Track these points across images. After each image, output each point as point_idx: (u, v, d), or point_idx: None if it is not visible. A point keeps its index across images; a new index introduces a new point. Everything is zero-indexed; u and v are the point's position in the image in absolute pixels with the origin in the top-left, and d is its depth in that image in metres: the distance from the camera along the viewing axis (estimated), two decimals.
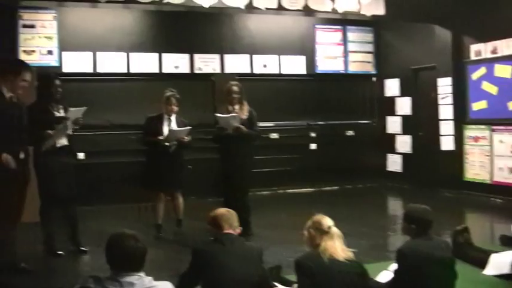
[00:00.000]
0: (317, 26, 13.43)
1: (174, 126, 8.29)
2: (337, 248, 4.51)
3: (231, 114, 8.24)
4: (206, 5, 9.47)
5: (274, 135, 12.81)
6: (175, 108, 8.34)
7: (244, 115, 8.39)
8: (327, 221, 4.65)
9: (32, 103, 7.26)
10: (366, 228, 8.80)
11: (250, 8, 9.96)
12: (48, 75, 7.63)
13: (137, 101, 11.34)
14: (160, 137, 8.10)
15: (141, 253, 3.61)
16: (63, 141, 7.36)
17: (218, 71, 12.48)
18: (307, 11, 10.45)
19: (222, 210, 4.84)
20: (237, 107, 8.43)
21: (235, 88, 8.49)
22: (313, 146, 13.41)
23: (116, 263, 3.59)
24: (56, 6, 11.00)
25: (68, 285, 6.18)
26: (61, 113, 7.38)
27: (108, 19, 11.66)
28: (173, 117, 8.36)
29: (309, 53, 13.37)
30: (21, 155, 6.38)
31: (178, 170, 8.39)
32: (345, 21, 13.37)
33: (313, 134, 13.41)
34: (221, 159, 8.68)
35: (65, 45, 11.37)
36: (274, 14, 10.87)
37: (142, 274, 3.60)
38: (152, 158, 8.34)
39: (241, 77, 11.75)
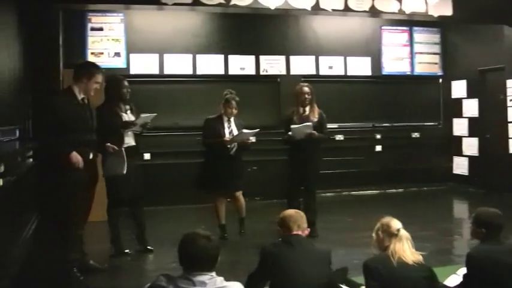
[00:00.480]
0: (383, 27, 13.30)
1: (233, 127, 8.32)
2: (406, 250, 4.46)
3: (305, 124, 8.22)
4: (272, 6, 9.44)
5: (339, 137, 12.74)
6: (235, 111, 8.34)
7: (315, 117, 8.41)
8: (396, 224, 4.60)
9: (100, 105, 7.40)
10: (431, 231, 8.68)
11: (316, 9, 9.86)
12: (116, 77, 7.80)
13: (203, 103, 11.29)
14: (226, 138, 8.11)
15: (214, 253, 3.64)
16: (130, 142, 7.49)
17: (284, 72, 12.46)
18: (373, 12, 10.30)
19: (290, 212, 4.83)
20: (307, 108, 8.44)
21: (306, 89, 8.48)
22: (378, 148, 13.30)
23: (189, 262, 3.62)
24: (123, 9, 11.13)
25: (135, 283, 6.40)
26: (128, 115, 7.52)
27: (175, 21, 11.75)
28: (232, 119, 8.38)
29: (375, 54, 13.25)
30: (91, 156, 6.50)
31: (239, 172, 8.42)
32: (411, 22, 13.21)
33: (378, 136, 13.28)
34: (290, 160, 8.69)
35: (132, 47, 11.54)
36: (340, 15, 10.79)
37: (214, 274, 3.61)
38: (211, 159, 8.31)
39: (306, 78, 11.75)
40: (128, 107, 7.60)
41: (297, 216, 4.71)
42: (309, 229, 4.81)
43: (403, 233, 4.54)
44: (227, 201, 8.58)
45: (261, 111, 11.49)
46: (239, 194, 8.43)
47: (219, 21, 12.06)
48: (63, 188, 6.30)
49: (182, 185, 10.88)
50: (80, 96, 6.43)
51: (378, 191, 13.15)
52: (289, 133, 8.30)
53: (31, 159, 8.31)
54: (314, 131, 8.18)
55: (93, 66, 6.70)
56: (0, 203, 5.64)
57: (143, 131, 7.61)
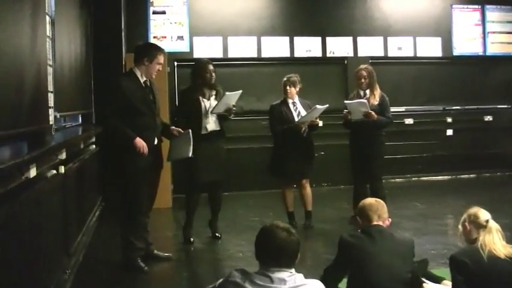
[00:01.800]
0: (454, 6, 12.75)
1: (300, 109, 7.98)
2: (497, 243, 4.07)
3: (358, 100, 7.96)
4: None
5: (409, 121, 12.29)
6: (289, 91, 8.00)
7: (376, 100, 8.08)
8: (484, 214, 4.21)
9: (184, 89, 7.44)
10: (509, 219, 8.22)
11: None
12: (200, 61, 7.57)
13: (268, 86, 11.09)
14: (298, 121, 7.78)
15: (295, 247, 3.30)
16: (212, 127, 7.26)
17: (351, 54, 12.06)
18: None
19: (370, 200, 4.48)
20: (368, 91, 8.14)
21: (363, 73, 8.18)
22: (449, 132, 12.77)
23: (267, 257, 3.29)
24: None
25: (202, 273, 6.39)
26: (211, 101, 7.26)
27: (238, 3, 11.55)
28: (297, 100, 8.06)
29: (446, 34, 12.70)
30: (155, 141, 6.26)
31: (309, 157, 8.07)
32: (483, 0, 12.74)
33: (449, 120, 12.75)
34: (350, 145, 8.44)
35: (196, 30, 11.32)
36: None
37: (293, 271, 3.29)
38: (282, 143, 7.96)
39: (374, 60, 11.47)
40: (213, 92, 7.37)
41: (377, 205, 4.35)
42: (390, 219, 4.44)
43: (493, 224, 4.15)
44: (295, 189, 8.24)
45: (328, 94, 11.14)
46: (306, 182, 8.08)
47: (283, 2, 11.80)
48: (127, 173, 6.07)
49: (248, 171, 10.87)
50: (143, 79, 6.18)
51: (449, 177, 12.68)
52: (345, 111, 8.05)
53: (94, 146, 8.17)
54: (371, 112, 7.81)
55: (154, 47, 6.43)
56: (63, 190, 5.41)
57: (230, 114, 7.34)
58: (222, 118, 7.33)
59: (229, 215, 8.70)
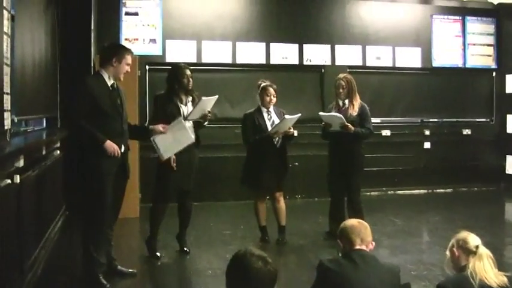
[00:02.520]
0: (434, 16, 12.50)
1: (274, 118, 7.59)
2: (488, 271, 3.72)
3: (332, 113, 7.65)
4: None
5: (386, 132, 12.00)
6: (274, 99, 7.62)
7: (354, 111, 7.73)
8: (474, 239, 3.86)
9: (159, 93, 7.00)
10: (488, 237, 7.92)
11: None
12: (176, 65, 7.15)
13: (243, 93, 10.84)
14: (270, 131, 7.40)
15: (272, 279, 2.89)
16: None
17: (329, 62, 11.73)
18: None
19: (352, 222, 4.07)
20: (346, 101, 7.79)
21: (341, 82, 7.82)
22: (426, 145, 12.51)
23: None
24: None
25: None
26: (188, 107, 6.90)
27: (214, 6, 11.19)
28: (271, 109, 7.67)
29: (425, 45, 12.46)
30: (122, 148, 5.81)
31: (283, 168, 7.67)
32: (464, 10, 12.63)
33: (427, 132, 12.49)
34: (329, 156, 8.03)
35: (169, 33, 10.93)
36: (389, 0, 10.03)
37: None
38: (255, 153, 7.58)
39: (352, 69, 11.15)
40: (190, 98, 7.01)
41: (360, 228, 3.95)
42: (373, 243, 4.05)
43: (483, 250, 3.81)
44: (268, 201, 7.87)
45: (304, 103, 10.87)
46: (280, 195, 7.68)
47: (260, 7, 11.44)
48: (92, 179, 5.63)
49: (220, 180, 10.55)
50: (110, 82, 5.77)
51: (425, 191, 12.42)
52: (323, 124, 7.77)
53: (58, 151, 7.73)
54: (348, 124, 7.48)
55: (123, 47, 6.10)
56: (18, 201, 4.97)
57: (205, 121, 6.99)
58: (196, 125, 6.99)
59: (199, 226, 8.34)
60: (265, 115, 7.59)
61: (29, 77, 6.07)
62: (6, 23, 4.69)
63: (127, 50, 5.89)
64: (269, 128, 7.46)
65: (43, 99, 7.15)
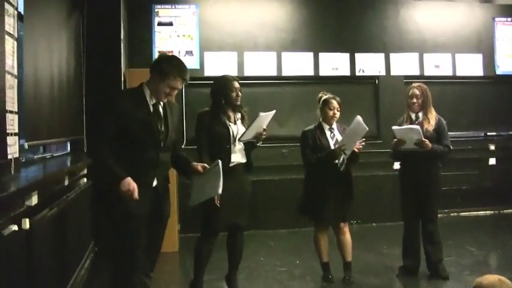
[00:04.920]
0: (497, 19, 11.35)
1: (338, 136, 6.50)
2: None
3: (409, 126, 6.55)
4: None
5: None
6: (338, 114, 6.56)
7: (431, 125, 6.66)
8: None
9: (203, 111, 5.93)
10: None
11: None
12: (224, 77, 6.11)
13: (290, 109, 10.00)
14: (336, 147, 6.32)
15: None
16: (238, 159, 5.88)
17: (383, 72, 10.67)
18: None
19: (490, 279, 2.96)
20: (420, 114, 6.71)
21: (416, 91, 6.74)
22: (492, 161, 11.30)
23: None
24: None
25: None
26: (238, 125, 5.91)
27: (256, 14, 10.23)
28: (334, 126, 6.60)
29: (488, 51, 11.31)
30: (155, 182, 4.69)
31: (349, 195, 6.56)
32: None
33: (492, 147, 11.31)
34: (402, 178, 6.89)
35: (207, 44, 9.97)
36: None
37: None
38: (318, 177, 6.46)
39: (409, 79, 9.96)
40: (239, 115, 6.01)
41: (501, 286, 2.85)
42: None
43: None
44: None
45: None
46: (345, 225, 6.57)
47: (307, 14, 10.43)
48: (118, 222, 4.55)
49: (267, 206, 9.62)
50: (152, 101, 4.66)
51: (491, 212, 11.22)
52: (395, 139, 6.61)
53: (85, 179, 6.68)
54: (425, 139, 6.40)
55: (172, 65, 4.67)
56: (28, 250, 3.86)
57: (260, 141, 5.91)
58: (248, 147, 5.95)
59: (248, 261, 7.26)
60: (327, 133, 6.50)
61: (45, 93, 5.03)
62: (9, 21, 3.64)
63: (174, 69, 4.61)
64: (332, 147, 6.37)
65: (65, 120, 6.13)
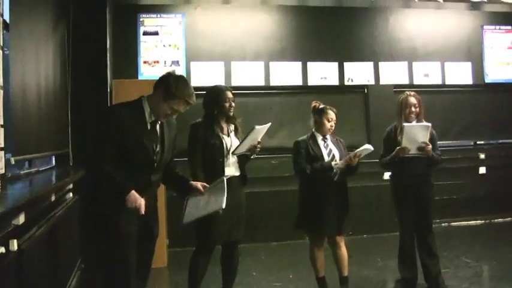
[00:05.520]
0: (485, 27, 11.26)
1: (332, 148, 6.29)
2: None
3: (423, 124, 6.35)
4: None
5: None
6: (333, 126, 6.35)
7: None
8: None
9: (195, 122, 5.73)
10: None
11: None
12: (217, 87, 5.92)
13: (278, 119, 9.71)
14: (334, 163, 6.10)
15: None
16: (231, 172, 5.67)
17: (372, 82, 10.51)
18: None
19: None
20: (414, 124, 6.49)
21: (412, 100, 6.58)
22: (482, 170, 11.16)
23: None
24: (183, 3, 9.72)
25: None
26: (232, 137, 5.75)
27: (243, 23, 10.04)
28: (328, 137, 6.38)
29: (477, 59, 11.21)
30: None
31: (345, 207, 6.32)
32: None
33: (482, 156, 11.17)
34: (395, 187, 6.72)
35: (193, 54, 9.76)
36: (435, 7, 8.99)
37: None
38: (311, 189, 6.22)
39: (398, 88, 9.93)
40: (232, 127, 5.86)
41: None
42: None
43: None
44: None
45: (347, 128, 9.61)
46: (341, 239, 6.33)
47: (295, 22, 10.27)
48: (107, 242, 4.30)
49: (257, 218, 9.35)
50: (151, 119, 4.38)
51: (482, 221, 11.06)
52: (398, 148, 6.34)
53: (71, 194, 6.44)
54: (429, 143, 6.26)
55: (179, 85, 4.37)
56: (17, 272, 3.63)
57: (254, 153, 5.77)
58: (242, 159, 5.78)
59: (241, 276, 7.02)
60: (320, 143, 6.29)
61: (32, 105, 4.83)
62: None
63: (184, 95, 4.35)
64: (325, 158, 6.18)
65: (52, 133, 5.91)
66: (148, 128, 4.36)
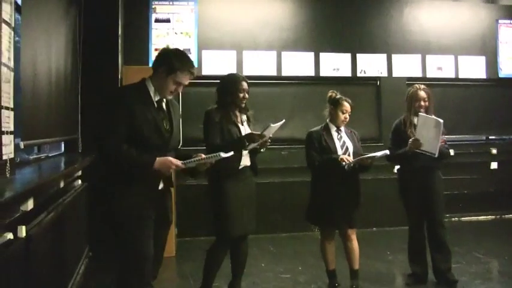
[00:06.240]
0: (500, 21, 11.13)
1: (346, 140, 6.18)
2: None
3: (437, 118, 6.17)
4: None
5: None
6: (348, 118, 6.24)
7: None
8: None
9: (209, 109, 5.58)
10: None
11: None
12: (232, 76, 5.84)
13: (289, 110, 9.69)
14: (345, 163, 5.89)
15: None
16: (245, 162, 5.59)
17: (385, 74, 10.40)
18: None
19: None
20: None
21: (422, 93, 6.50)
22: (493, 165, 11.06)
23: None
24: None
25: None
26: (245, 127, 5.66)
27: (256, 12, 9.92)
28: (342, 129, 6.28)
29: (491, 53, 11.09)
30: (161, 185, 4.36)
31: (357, 200, 6.20)
32: None
33: (494, 151, 11.06)
34: (403, 181, 6.62)
35: (205, 42, 9.64)
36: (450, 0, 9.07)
37: None
38: (323, 181, 6.10)
39: (411, 81, 9.64)
40: (244, 117, 5.75)
41: None
42: None
43: None
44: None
45: (359, 120, 9.40)
46: (352, 232, 6.22)
47: (308, 13, 10.14)
48: (123, 229, 4.15)
49: (265, 209, 9.21)
50: (156, 98, 4.31)
51: (493, 217, 10.99)
52: (411, 140, 6.23)
53: (79, 181, 6.38)
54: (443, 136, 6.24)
55: (178, 57, 4.35)
56: (26, 259, 3.55)
57: (264, 147, 5.64)
58: (252, 152, 5.67)
59: (250, 268, 6.94)
60: (334, 134, 6.18)
61: (42, 89, 4.75)
62: (6, 8, 3.35)
63: (185, 65, 4.31)
64: (339, 150, 6.07)
65: (62, 118, 5.84)
66: (156, 107, 4.29)
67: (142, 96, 4.23)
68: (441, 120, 6.08)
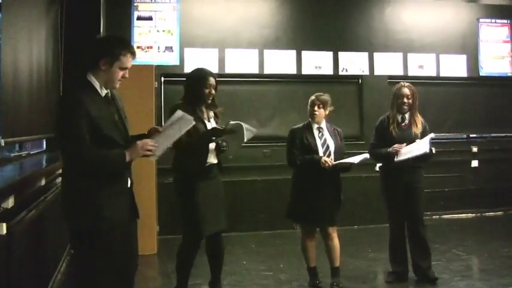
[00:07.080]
0: (481, 20, 11.21)
1: (327, 136, 6.20)
2: None
3: (429, 137, 6.31)
4: None
5: None
6: (317, 113, 6.18)
7: (418, 129, 6.51)
8: None
9: (175, 105, 5.36)
10: None
11: None
12: (199, 71, 5.67)
13: (271, 108, 9.78)
14: (325, 160, 5.94)
15: None
16: (211, 160, 5.53)
17: (366, 72, 10.44)
18: None
19: None
20: (407, 116, 6.53)
21: (406, 91, 6.53)
22: (474, 163, 11.16)
23: None
24: None
25: None
26: (212, 123, 5.56)
27: (238, 10, 9.94)
28: (324, 125, 6.28)
29: (472, 52, 11.17)
30: (129, 182, 4.21)
31: (337, 198, 6.24)
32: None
33: (474, 149, 11.17)
34: (385, 179, 6.66)
35: (187, 40, 9.64)
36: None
37: None
38: (303, 179, 6.14)
39: (393, 79, 9.90)
40: (211, 113, 5.67)
41: None
42: None
43: None
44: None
45: (340, 119, 9.45)
46: (333, 230, 6.25)
47: (290, 11, 10.18)
48: (94, 232, 3.91)
49: (248, 207, 9.37)
50: (103, 92, 4.07)
51: (473, 215, 11.07)
52: (389, 149, 6.33)
53: (61, 178, 6.35)
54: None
55: (116, 42, 4.13)
56: (6, 257, 3.54)
57: (227, 146, 5.56)
58: (218, 149, 5.58)
59: (231, 266, 7.03)
60: (315, 132, 6.20)
61: (24, 86, 4.74)
62: None
63: (123, 49, 4.07)
64: (319, 148, 6.09)
65: (43, 116, 5.81)
66: (106, 102, 4.08)
67: (91, 94, 3.98)
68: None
